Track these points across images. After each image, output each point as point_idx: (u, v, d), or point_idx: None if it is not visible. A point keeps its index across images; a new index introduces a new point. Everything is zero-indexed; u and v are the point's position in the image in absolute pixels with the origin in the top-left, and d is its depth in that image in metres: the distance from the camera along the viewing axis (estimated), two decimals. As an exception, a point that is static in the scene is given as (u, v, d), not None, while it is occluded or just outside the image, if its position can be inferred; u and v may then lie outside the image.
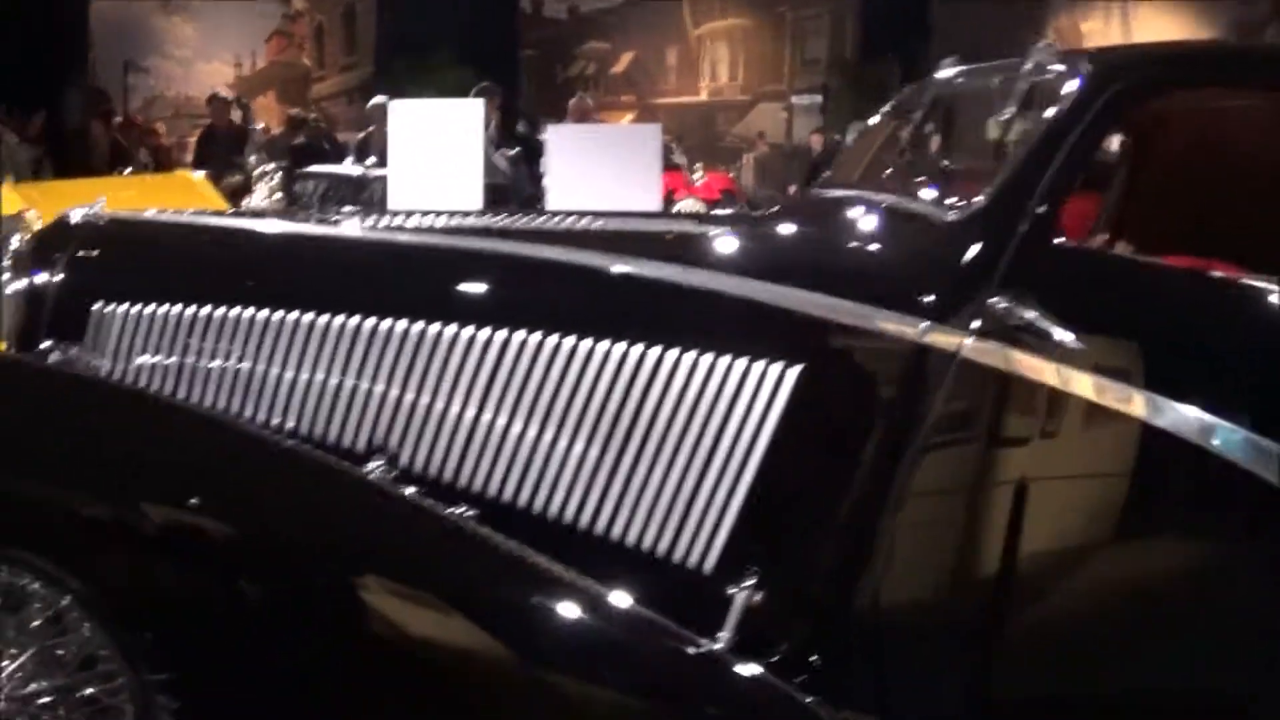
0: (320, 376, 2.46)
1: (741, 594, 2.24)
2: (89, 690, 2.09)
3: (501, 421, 2.38)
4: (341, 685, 2.08)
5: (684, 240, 2.83)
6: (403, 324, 2.43)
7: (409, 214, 2.98)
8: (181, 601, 2.07)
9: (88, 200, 5.96)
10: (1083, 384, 2.23)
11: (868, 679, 2.30)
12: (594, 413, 2.36)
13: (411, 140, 4.58)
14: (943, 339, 2.30)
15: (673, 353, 2.34)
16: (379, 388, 2.43)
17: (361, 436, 2.43)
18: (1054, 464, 2.30)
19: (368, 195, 7.73)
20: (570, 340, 2.37)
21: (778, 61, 21.16)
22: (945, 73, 3.17)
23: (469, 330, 2.41)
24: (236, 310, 2.51)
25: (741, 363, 2.33)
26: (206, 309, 2.52)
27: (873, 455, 2.32)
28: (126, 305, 2.57)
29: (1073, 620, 2.30)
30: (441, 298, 2.48)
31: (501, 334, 2.40)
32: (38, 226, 4.97)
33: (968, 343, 2.28)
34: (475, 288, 2.54)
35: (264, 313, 2.50)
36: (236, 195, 7.23)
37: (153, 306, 2.55)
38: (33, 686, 2.08)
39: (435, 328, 2.42)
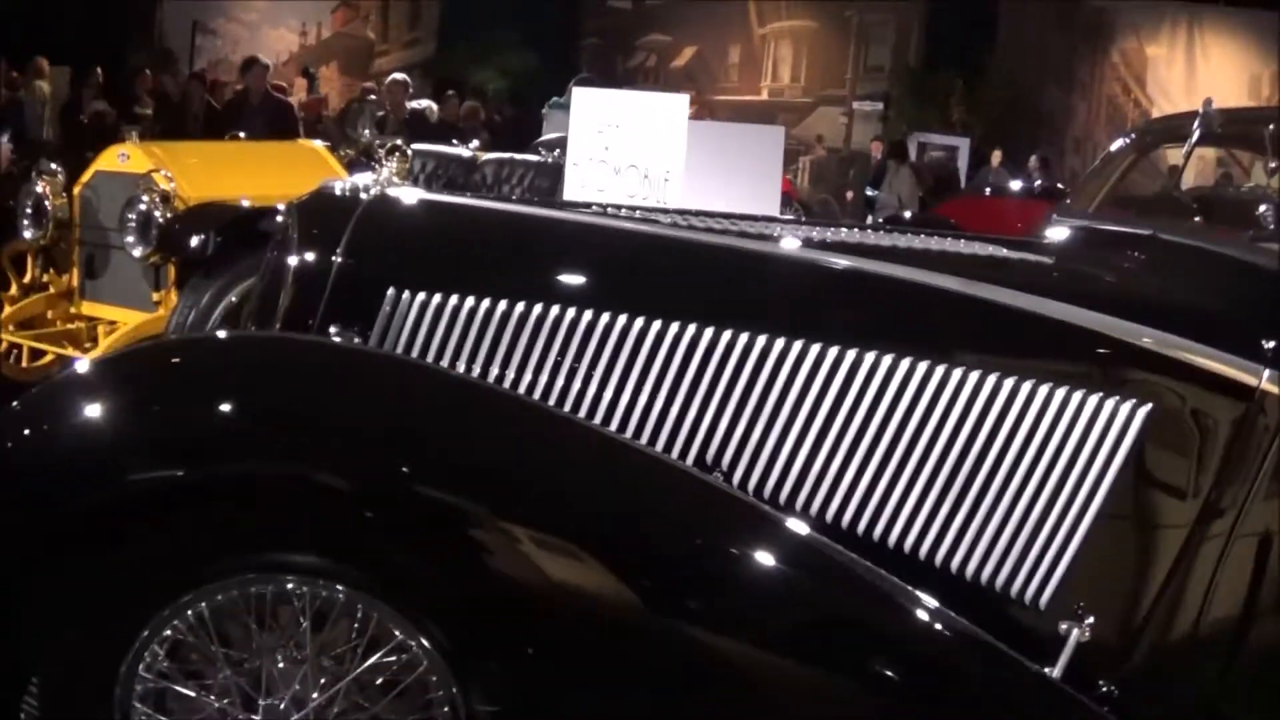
0: (656, 387, 2.33)
1: (1074, 629, 2.18)
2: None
3: (846, 444, 2.31)
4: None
5: (1020, 268, 2.72)
6: (748, 337, 2.33)
7: (726, 216, 2.82)
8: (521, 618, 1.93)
9: (218, 162, 5.80)
10: None
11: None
12: (944, 439, 2.30)
13: (596, 130, 4.46)
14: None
15: (1027, 384, 2.29)
16: (714, 402, 2.32)
17: (692, 452, 2.30)
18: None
19: (479, 177, 7.65)
20: (924, 365, 2.31)
21: (840, 65, 21.01)
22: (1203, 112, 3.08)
23: (830, 349, 2.32)
24: (572, 312, 2.36)
25: (1094, 399, 2.28)
26: (538, 307, 2.36)
27: (1209, 498, 2.27)
28: (431, 294, 2.37)
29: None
30: (802, 313, 2.38)
31: (852, 354, 2.31)
32: (166, 187, 4.89)
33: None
34: (839, 306, 2.44)
35: (612, 317, 2.35)
36: (351, 168, 7.09)
37: (470, 299, 2.37)
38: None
39: (784, 343, 2.32)
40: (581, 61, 19.59)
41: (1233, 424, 2.26)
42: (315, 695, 1.95)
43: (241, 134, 7.32)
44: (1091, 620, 2.19)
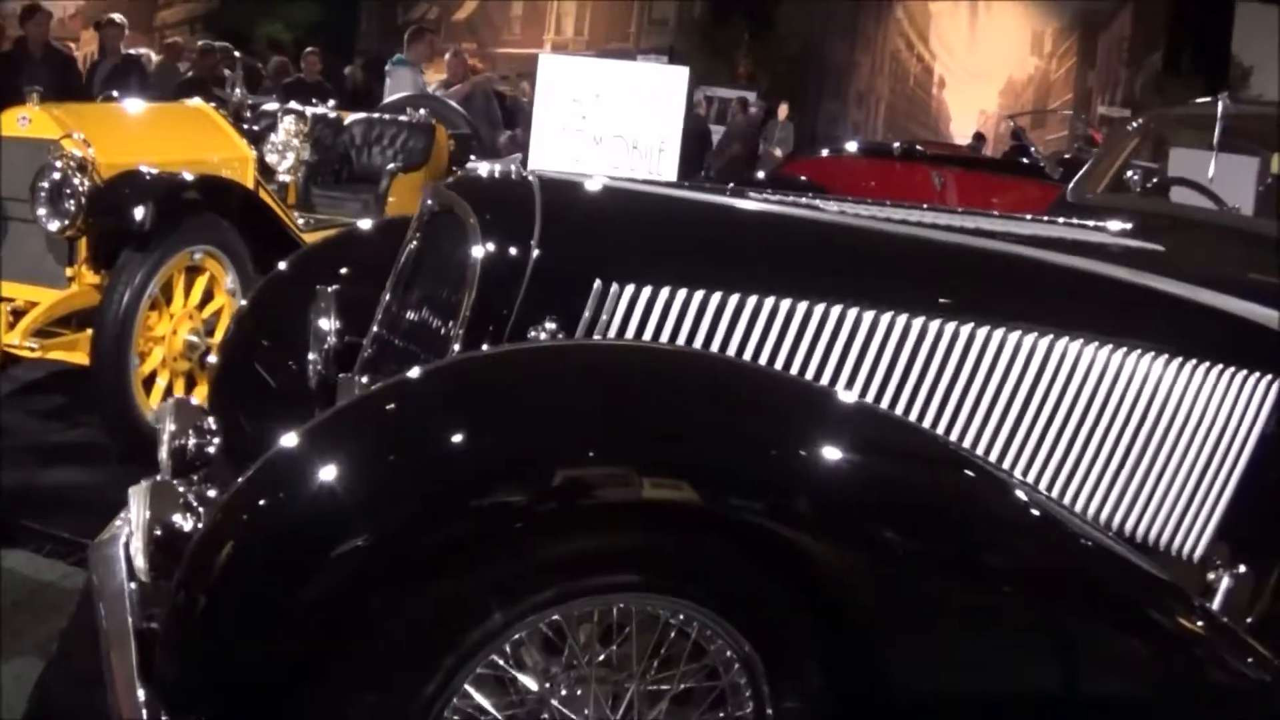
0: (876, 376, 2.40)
1: (1225, 576, 2.47)
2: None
3: (1041, 422, 2.49)
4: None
5: (1140, 255, 2.87)
6: (939, 323, 2.43)
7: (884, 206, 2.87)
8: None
9: (122, 127, 5.37)
10: None
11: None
12: (1122, 415, 2.51)
13: (570, 99, 4.38)
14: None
15: (1186, 363, 2.54)
16: (926, 386, 2.43)
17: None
18: None
19: (347, 138, 7.38)
20: (1093, 348, 2.49)
21: (625, 18, 21.09)
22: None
23: (1029, 336, 2.45)
24: (788, 303, 2.35)
25: (1240, 375, 2.56)
26: (753, 299, 2.33)
27: None
28: (641, 286, 2.31)
29: None
30: (991, 300, 2.49)
31: (1047, 339, 2.47)
32: (83, 154, 4.48)
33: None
34: (1035, 296, 2.57)
35: (827, 308, 2.36)
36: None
37: (683, 291, 2.31)
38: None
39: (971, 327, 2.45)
40: (360, 14, 19.02)
41: None
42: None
43: (114, 93, 6.81)
44: (1238, 570, 2.48)
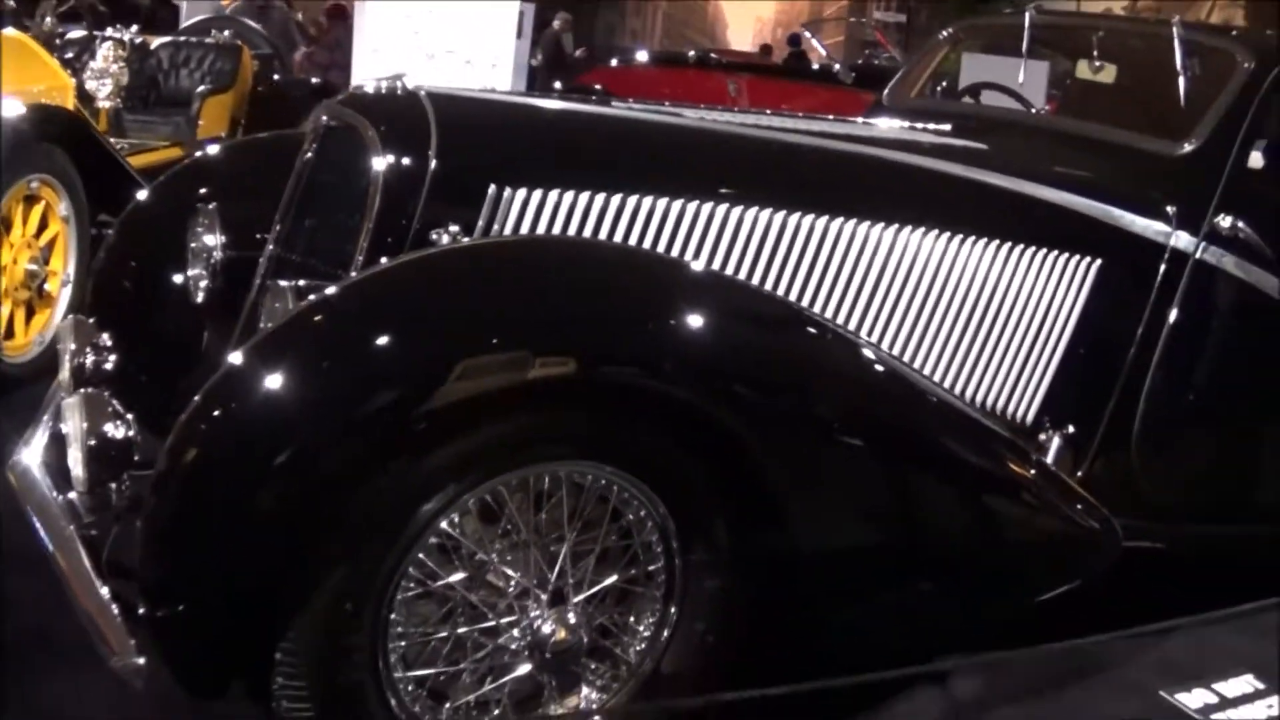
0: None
1: (1055, 435, 2.89)
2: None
3: (887, 307, 2.79)
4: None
5: (962, 152, 3.17)
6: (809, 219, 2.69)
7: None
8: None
9: None
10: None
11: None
12: (959, 298, 2.85)
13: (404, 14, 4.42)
14: (1185, 242, 2.99)
15: (1014, 249, 2.88)
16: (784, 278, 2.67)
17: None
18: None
19: (154, 62, 7.23)
20: (932, 237, 2.81)
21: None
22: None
23: (875, 229, 2.74)
24: (679, 204, 2.57)
25: (1064, 258, 2.93)
26: (648, 200, 2.55)
27: (1140, 332, 2.99)
28: (532, 190, 2.48)
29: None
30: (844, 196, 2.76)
31: (892, 231, 2.77)
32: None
33: (1204, 246, 2.99)
34: (887, 193, 2.85)
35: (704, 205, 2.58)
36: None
37: (570, 194, 2.50)
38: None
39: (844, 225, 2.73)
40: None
41: (1148, 273, 2.96)
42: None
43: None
44: (1066, 430, 2.88)
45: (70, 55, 6.04)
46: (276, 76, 8.11)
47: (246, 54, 7.39)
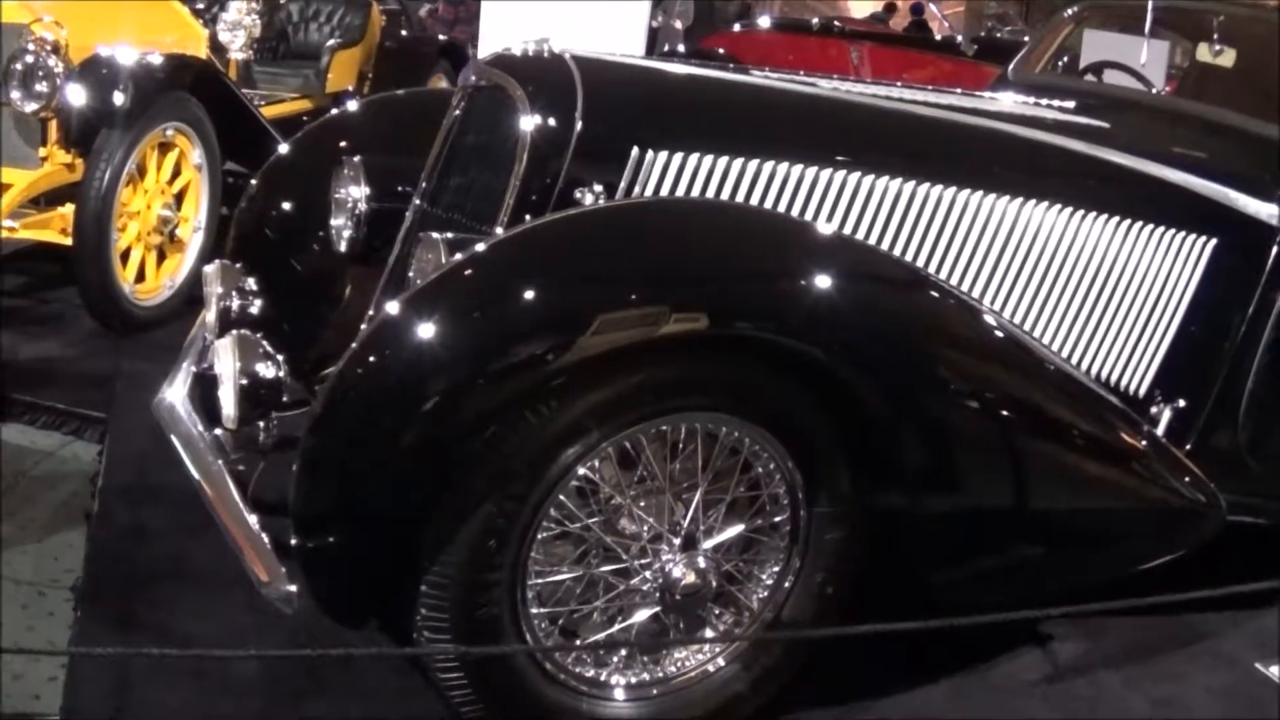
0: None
1: (1166, 411, 2.96)
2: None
3: (1010, 278, 2.87)
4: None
5: (1088, 130, 3.22)
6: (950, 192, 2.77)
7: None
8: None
9: (86, 12, 5.33)
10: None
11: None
12: (1079, 272, 2.92)
13: None
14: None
15: (1134, 227, 2.94)
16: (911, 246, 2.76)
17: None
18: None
19: (284, 15, 7.42)
20: (1055, 212, 2.87)
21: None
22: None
23: (1001, 201, 2.81)
24: (795, 168, 2.64)
25: (1180, 237, 2.98)
26: (769, 164, 2.62)
27: (1250, 312, 3.06)
28: (673, 154, 2.55)
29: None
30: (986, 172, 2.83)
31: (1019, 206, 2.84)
32: (56, 36, 4.51)
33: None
34: (1012, 167, 2.91)
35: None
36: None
37: (709, 158, 2.57)
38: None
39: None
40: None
41: (1264, 253, 3.01)
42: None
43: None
44: (1177, 403, 2.95)
45: (202, 6, 6.22)
46: (404, 32, 8.22)
47: (375, 9, 7.53)
